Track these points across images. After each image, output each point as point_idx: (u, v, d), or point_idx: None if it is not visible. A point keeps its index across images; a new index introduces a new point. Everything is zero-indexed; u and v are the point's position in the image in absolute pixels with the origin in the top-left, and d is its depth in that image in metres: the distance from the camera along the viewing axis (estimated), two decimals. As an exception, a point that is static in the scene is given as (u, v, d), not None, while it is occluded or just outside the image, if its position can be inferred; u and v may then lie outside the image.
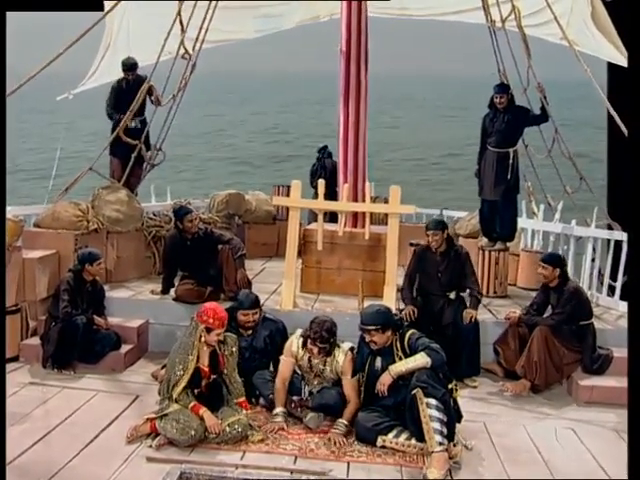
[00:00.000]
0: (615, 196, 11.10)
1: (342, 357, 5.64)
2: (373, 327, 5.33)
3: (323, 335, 5.55)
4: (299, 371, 5.88)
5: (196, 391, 5.39)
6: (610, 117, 7.84)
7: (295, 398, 5.76)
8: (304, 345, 5.71)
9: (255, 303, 6.25)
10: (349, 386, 5.58)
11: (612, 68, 10.11)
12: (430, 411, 4.92)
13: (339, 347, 5.69)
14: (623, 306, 7.86)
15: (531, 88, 9.15)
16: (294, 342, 5.79)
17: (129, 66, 9.22)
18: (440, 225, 7.02)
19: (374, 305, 5.72)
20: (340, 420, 5.46)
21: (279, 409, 5.63)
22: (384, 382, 5.23)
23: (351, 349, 5.69)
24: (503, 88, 8.59)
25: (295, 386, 5.80)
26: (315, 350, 5.60)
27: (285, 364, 5.78)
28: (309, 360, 5.71)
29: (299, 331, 5.83)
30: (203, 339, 5.37)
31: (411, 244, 8.58)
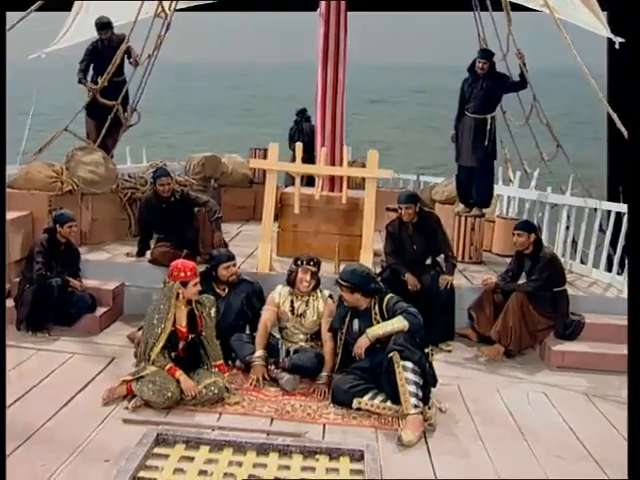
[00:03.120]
0: (615, 175, 11.19)
1: (323, 298, 5.94)
2: (344, 283, 5.43)
3: (312, 257, 5.96)
4: (278, 333, 6.03)
5: (173, 354, 5.38)
6: (609, 98, 7.90)
7: (272, 360, 5.81)
8: (291, 284, 5.94)
9: (231, 256, 6.36)
10: (327, 327, 5.76)
11: (611, 53, 10.14)
12: (406, 374, 4.97)
13: (321, 291, 6.00)
14: (596, 273, 8.00)
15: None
16: (276, 292, 6.02)
17: (102, 25, 9.03)
18: (412, 199, 7.03)
19: (357, 265, 5.84)
20: (322, 374, 5.62)
21: (259, 352, 5.74)
22: (361, 345, 5.27)
23: (330, 296, 5.98)
24: (487, 54, 8.52)
25: (273, 348, 5.86)
26: (307, 276, 5.84)
27: (267, 312, 5.95)
28: (291, 304, 5.91)
29: (280, 285, 6.05)
30: (181, 296, 5.36)
31: (388, 209, 8.60)
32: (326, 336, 5.73)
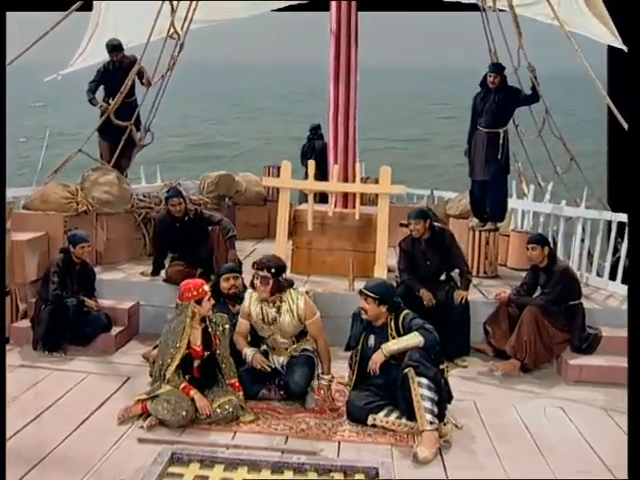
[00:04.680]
0: (616, 182, 11.11)
1: (302, 300, 5.68)
2: (372, 295, 5.32)
3: (262, 261, 5.64)
4: (257, 331, 5.84)
5: (187, 377, 5.38)
6: (610, 99, 7.85)
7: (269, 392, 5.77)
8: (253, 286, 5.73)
9: (232, 268, 6.33)
10: (313, 327, 5.68)
11: (612, 57, 10.12)
12: (421, 390, 4.95)
13: (296, 291, 5.75)
14: (612, 286, 7.92)
15: (522, 68, 9.14)
16: (246, 299, 5.79)
17: (113, 47, 9.14)
18: (421, 215, 7.01)
19: (382, 279, 5.88)
20: (323, 377, 5.62)
21: (245, 349, 5.69)
22: (376, 361, 5.24)
23: (306, 292, 5.86)
24: (498, 68, 8.52)
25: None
26: (258, 282, 5.59)
27: (241, 325, 5.79)
28: (262, 311, 5.69)
29: (250, 289, 5.84)
30: (197, 316, 5.38)
31: (401, 224, 8.57)
32: (316, 333, 5.68)
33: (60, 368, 6.30)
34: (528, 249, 6.83)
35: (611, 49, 10.05)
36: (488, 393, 6.11)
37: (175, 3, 8.98)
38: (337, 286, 7.40)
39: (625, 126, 7.25)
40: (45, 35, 7.61)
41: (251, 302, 5.76)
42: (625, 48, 9.47)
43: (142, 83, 9.26)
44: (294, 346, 5.81)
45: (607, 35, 9.79)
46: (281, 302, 5.69)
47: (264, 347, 5.90)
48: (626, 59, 9.31)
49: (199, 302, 5.38)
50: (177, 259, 7.62)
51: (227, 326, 5.55)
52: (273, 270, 5.59)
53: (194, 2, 9.34)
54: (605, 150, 11.28)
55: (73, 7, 8.00)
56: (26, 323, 6.95)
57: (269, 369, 5.64)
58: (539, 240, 6.87)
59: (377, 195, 7.85)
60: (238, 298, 6.20)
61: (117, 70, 9.11)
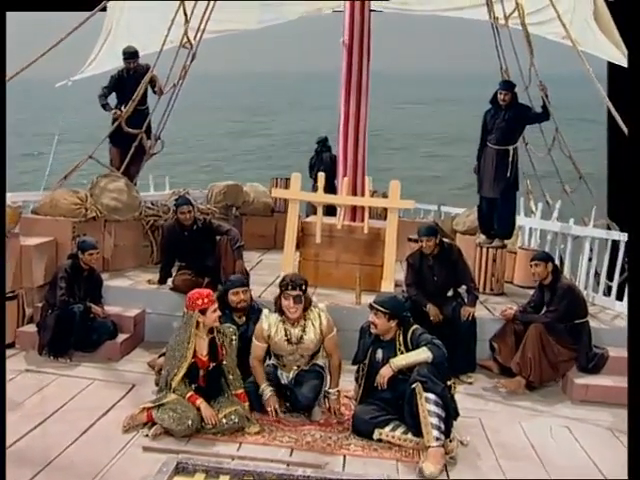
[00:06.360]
0: (615, 195, 11.11)
1: (324, 315, 5.66)
2: (382, 309, 5.31)
3: (294, 280, 5.60)
4: (275, 352, 5.77)
5: (194, 386, 5.38)
6: (610, 115, 7.82)
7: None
8: (279, 312, 5.66)
9: (242, 282, 6.28)
10: (331, 343, 5.66)
11: (612, 64, 10.14)
12: (429, 406, 4.93)
13: (316, 308, 5.72)
14: (619, 306, 7.89)
15: (533, 86, 9.16)
16: (264, 322, 5.68)
17: (130, 54, 9.20)
18: (432, 231, 7.03)
19: (393, 293, 5.90)
20: (329, 391, 5.63)
21: (263, 386, 5.61)
22: (384, 375, 5.23)
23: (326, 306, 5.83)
24: (508, 85, 8.54)
25: (272, 376, 5.77)
26: (291, 302, 5.52)
27: (257, 348, 5.69)
28: (285, 332, 5.63)
29: (266, 311, 5.81)
30: (202, 325, 5.37)
31: (409, 239, 8.58)
32: (332, 348, 5.66)
33: (65, 374, 6.28)
34: (532, 266, 6.86)
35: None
36: (494, 410, 6.10)
37: (189, 12, 9.01)
38: (344, 299, 7.39)
39: (625, 130, 7.23)
40: (61, 41, 7.61)
41: (270, 324, 5.66)
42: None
43: (154, 91, 9.31)
44: (305, 366, 5.77)
45: (618, 55, 9.80)
46: (305, 320, 5.65)
47: (272, 361, 5.87)
48: (626, 68, 9.32)
49: (203, 312, 5.37)
50: (184, 268, 7.61)
51: (234, 337, 5.54)
52: (304, 287, 5.60)
53: (207, 13, 9.38)
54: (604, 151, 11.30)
55: (95, 10, 8.02)
56: (32, 328, 6.94)
57: (278, 416, 5.53)
58: (542, 257, 6.88)
59: (385, 209, 7.84)
60: (245, 310, 6.21)
61: (130, 77, 9.16)
